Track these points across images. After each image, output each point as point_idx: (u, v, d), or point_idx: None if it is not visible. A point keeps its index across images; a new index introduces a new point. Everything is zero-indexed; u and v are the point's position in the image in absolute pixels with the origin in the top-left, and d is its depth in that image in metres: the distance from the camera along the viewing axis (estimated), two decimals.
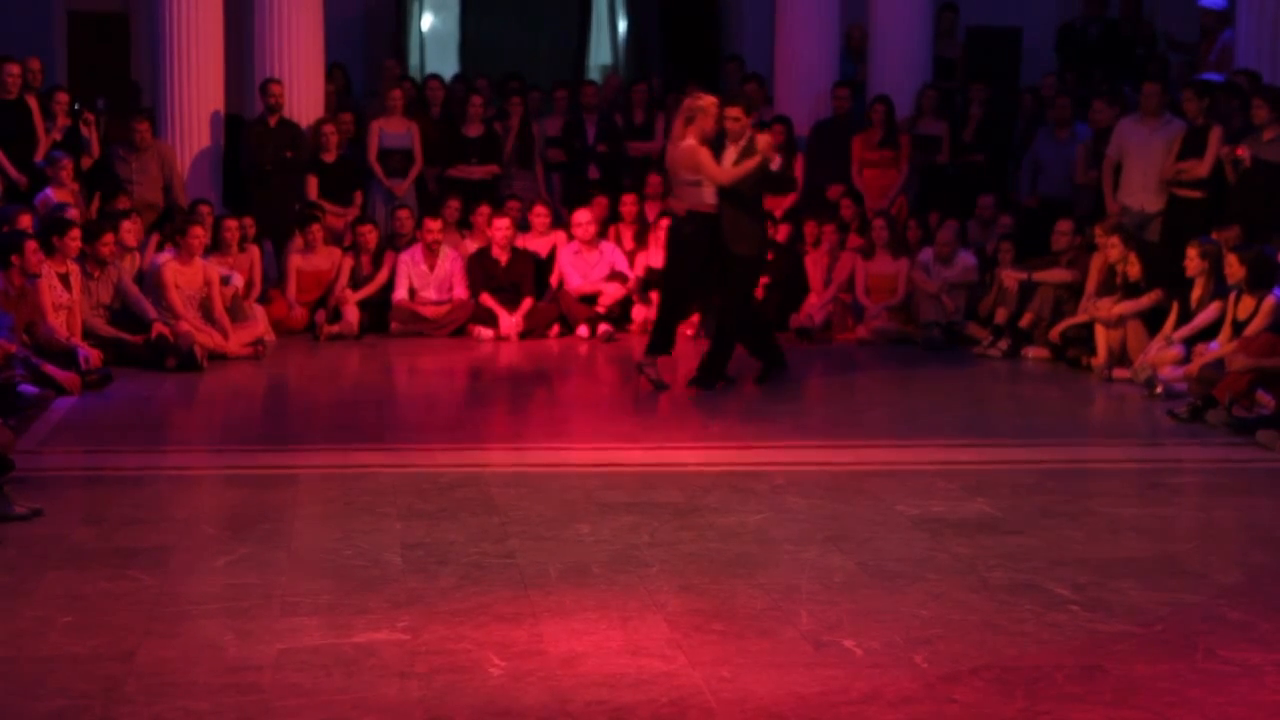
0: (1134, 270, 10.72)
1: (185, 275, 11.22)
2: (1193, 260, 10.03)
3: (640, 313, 12.67)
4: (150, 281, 11.25)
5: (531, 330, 12.38)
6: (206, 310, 11.25)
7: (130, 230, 11.50)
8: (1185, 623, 5.30)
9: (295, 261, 12.50)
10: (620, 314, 12.67)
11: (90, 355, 10.04)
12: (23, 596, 5.47)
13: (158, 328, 10.75)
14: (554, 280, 12.79)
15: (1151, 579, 5.80)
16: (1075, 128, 12.97)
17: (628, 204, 13.30)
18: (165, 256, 11.36)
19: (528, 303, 12.48)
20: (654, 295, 12.82)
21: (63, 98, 12.71)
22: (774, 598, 5.51)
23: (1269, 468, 7.96)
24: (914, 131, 13.66)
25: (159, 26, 13.05)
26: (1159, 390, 9.75)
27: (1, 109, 12.28)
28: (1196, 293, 10.03)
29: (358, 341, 12.16)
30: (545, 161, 14.05)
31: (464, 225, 13.18)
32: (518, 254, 12.64)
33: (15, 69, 12.34)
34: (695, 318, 12.41)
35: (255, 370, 10.96)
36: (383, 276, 12.60)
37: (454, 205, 13.11)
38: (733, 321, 10.07)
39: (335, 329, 12.23)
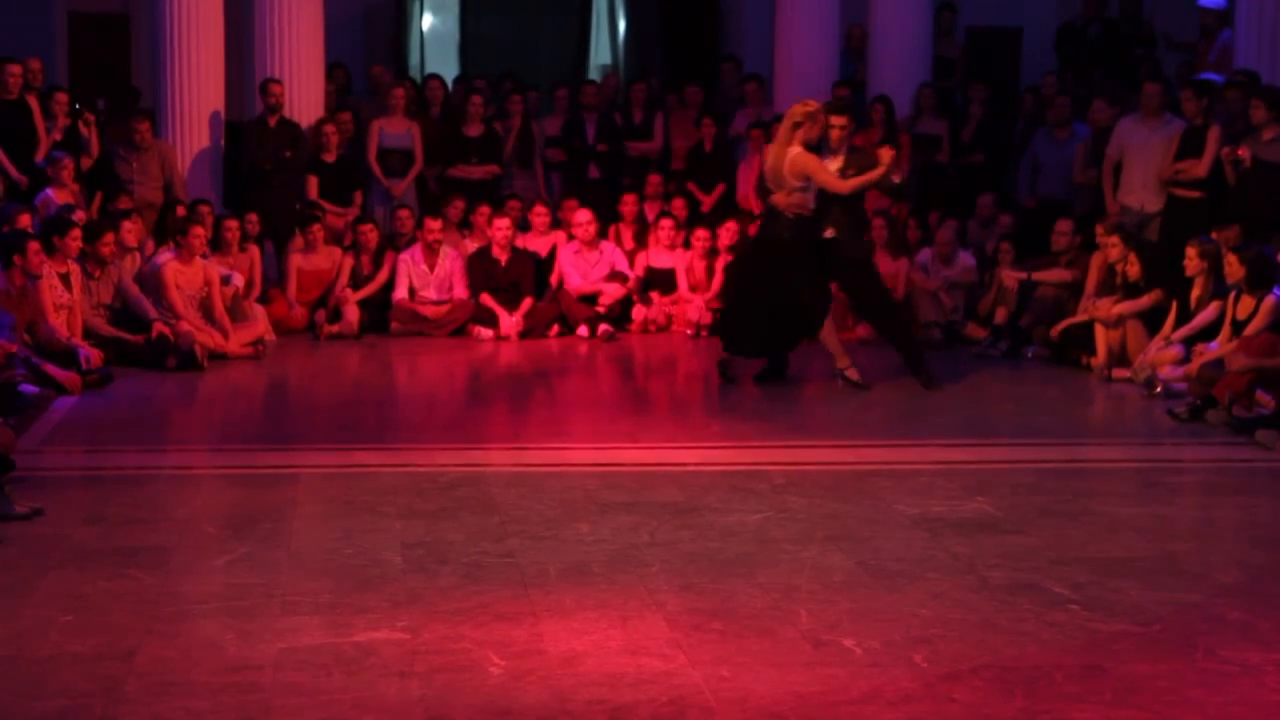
0: (1134, 270, 10.73)
1: (186, 275, 11.23)
2: (1192, 260, 10.03)
3: (640, 313, 12.68)
4: (151, 281, 11.26)
5: (531, 330, 12.39)
6: (207, 310, 11.26)
7: (131, 230, 11.51)
8: (1185, 622, 5.30)
9: (296, 261, 12.50)
10: (620, 314, 12.67)
11: (91, 355, 10.04)
12: (23, 596, 5.47)
13: (158, 327, 10.75)
14: (554, 280, 12.79)
15: (1151, 578, 5.80)
16: (1074, 127, 12.98)
17: (628, 204, 13.32)
18: (166, 256, 11.36)
19: (528, 302, 12.49)
20: (654, 295, 12.87)
21: (63, 98, 12.73)
22: (774, 597, 5.52)
23: (1268, 467, 7.96)
24: (913, 131, 13.67)
25: (159, 27, 13.06)
26: (1159, 390, 9.76)
27: (2, 109, 12.30)
28: (1196, 292, 10.04)
29: (358, 341, 12.17)
30: (545, 161, 14.07)
31: (464, 225, 13.19)
32: (518, 254, 12.65)
33: (16, 69, 12.35)
34: (703, 319, 12.43)
35: (255, 370, 10.96)
36: (383, 276, 12.61)
37: (458, 205, 13.13)
38: (891, 319, 10.29)
39: (335, 329, 12.24)
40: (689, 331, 12.56)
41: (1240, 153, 10.82)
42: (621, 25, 17.85)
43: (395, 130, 13.46)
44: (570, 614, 5.31)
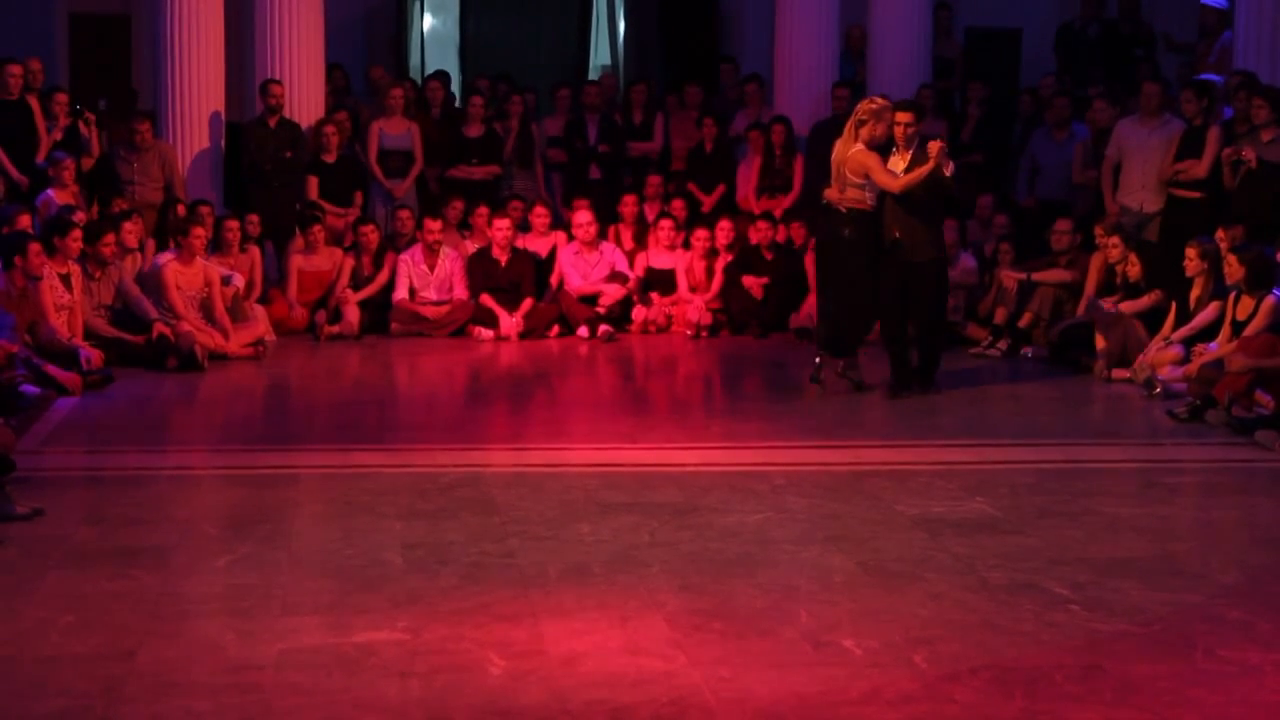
0: (1134, 271, 10.73)
1: (186, 276, 11.23)
2: (1192, 260, 10.04)
3: (640, 313, 12.69)
4: (151, 282, 11.26)
5: (531, 330, 12.39)
6: (207, 310, 11.26)
7: (130, 231, 11.52)
8: (1185, 622, 5.30)
9: (296, 262, 12.51)
10: (620, 314, 12.67)
11: (91, 355, 10.05)
12: (24, 596, 5.47)
13: (159, 328, 10.76)
14: (554, 280, 12.80)
15: (1151, 579, 5.80)
16: (1073, 128, 12.99)
17: (628, 205, 13.32)
18: (166, 257, 11.37)
19: (528, 303, 12.49)
20: (654, 296, 12.87)
21: (63, 98, 12.74)
22: (774, 597, 5.52)
23: (1268, 468, 7.96)
24: None
25: (160, 27, 13.06)
26: (1158, 390, 9.76)
27: (3, 109, 12.31)
28: (1195, 293, 10.05)
29: (358, 342, 12.17)
30: (546, 161, 14.07)
31: (463, 226, 13.19)
32: (518, 254, 12.65)
33: (17, 70, 12.36)
34: (702, 319, 12.45)
35: (256, 370, 10.97)
36: (383, 277, 12.61)
37: (457, 206, 13.13)
38: (932, 327, 9.93)
39: (336, 329, 12.24)
40: (689, 332, 12.56)
41: (1245, 154, 10.81)
42: (621, 26, 17.86)
43: (395, 131, 13.47)
44: (570, 614, 5.32)
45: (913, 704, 4.54)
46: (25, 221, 10.73)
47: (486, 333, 12.34)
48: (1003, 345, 11.65)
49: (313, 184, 13.12)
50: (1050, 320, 11.46)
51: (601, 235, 12.98)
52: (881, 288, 9.80)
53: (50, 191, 11.81)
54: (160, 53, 13.10)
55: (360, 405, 9.76)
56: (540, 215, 13.11)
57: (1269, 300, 9.13)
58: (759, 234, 12.92)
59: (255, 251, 12.35)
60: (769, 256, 12.88)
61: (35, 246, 9.90)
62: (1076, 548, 6.23)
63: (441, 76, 14.49)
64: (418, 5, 17.47)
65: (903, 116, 9.67)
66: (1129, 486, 7.68)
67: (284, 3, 13.33)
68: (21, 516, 6.43)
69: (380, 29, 17.16)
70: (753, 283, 12.74)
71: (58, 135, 12.50)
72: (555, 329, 12.49)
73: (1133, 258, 10.76)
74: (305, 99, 13.47)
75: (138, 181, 12.64)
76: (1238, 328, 9.26)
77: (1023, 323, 11.63)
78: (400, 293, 12.53)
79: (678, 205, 13.36)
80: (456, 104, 14.67)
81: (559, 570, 5.84)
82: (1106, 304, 10.89)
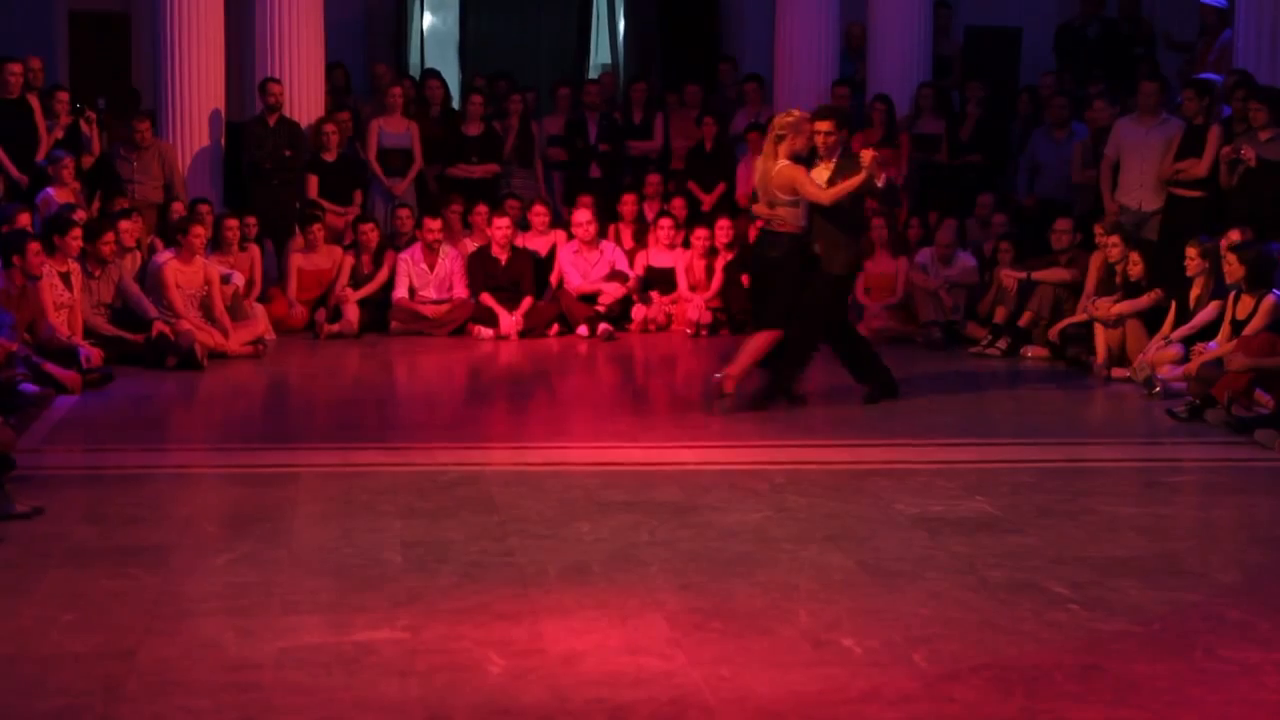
0: (1136, 270, 10.73)
1: (186, 274, 11.23)
2: (1193, 260, 10.04)
3: (640, 312, 12.69)
4: (151, 281, 11.26)
5: (531, 329, 12.39)
6: (207, 309, 11.26)
7: (129, 230, 11.51)
8: (1184, 622, 5.30)
9: (296, 260, 12.51)
10: (620, 313, 12.67)
11: (91, 354, 10.05)
12: (24, 595, 5.47)
13: (158, 326, 10.76)
14: (554, 279, 12.80)
15: (1151, 578, 5.80)
16: (1073, 127, 12.98)
17: (627, 203, 13.32)
18: (166, 255, 11.37)
19: (527, 302, 12.49)
20: (654, 295, 12.87)
21: (64, 97, 12.75)
22: (773, 597, 5.52)
23: (1268, 467, 7.96)
24: (913, 130, 13.68)
25: (160, 26, 13.06)
26: (1158, 390, 9.76)
27: (3, 108, 12.30)
28: (1195, 292, 10.05)
29: (358, 340, 12.18)
30: (546, 160, 14.07)
31: (463, 224, 13.19)
32: (517, 253, 12.65)
33: (17, 68, 12.36)
34: (702, 318, 12.45)
35: (255, 369, 10.97)
36: (383, 275, 12.61)
37: (455, 208, 13.13)
38: (805, 338, 9.41)
39: (335, 328, 12.24)
40: (689, 331, 12.56)
41: (1244, 153, 10.81)
42: (621, 25, 17.85)
43: (394, 130, 13.47)
44: (570, 613, 5.32)
45: (912, 703, 4.54)
46: (25, 220, 10.73)
47: (486, 331, 12.34)
48: (1002, 344, 11.65)
49: (312, 183, 13.12)
50: (1050, 320, 11.46)
51: (601, 234, 12.98)
52: (808, 301, 9.27)
53: (50, 190, 11.81)
54: (160, 51, 13.10)
55: (360, 404, 9.76)
56: (539, 214, 13.11)
57: (1269, 299, 9.13)
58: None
59: (255, 250, 12.35)
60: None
61: (34, 246, 9.89)
62: (1076, 547, 6.24)
63: (441, 75, 14.49)
64: (418, 4, 17.47)
65: (822, 125, 9.23)
66: (1129, 486, 7.68)
67: (284, 2, 13.33)
68: (21, 515, 6.42)
69: (380, 28, 17.16)
70: None
71: (59, 134, 12.50)
72: (555, 328, 12.49)
73: (1134, 256, 10.76)
74: (305, 98, 13.46)
75: (137, 180, 12.64)
76: (1237, 327, 9.26)
77: (1023, 322, 11.63)
78: (400, 291, 12.53)
79: (678, 204, 13.37)
80: (454, 104, 14.65)
81: (558, 569, 5.84)
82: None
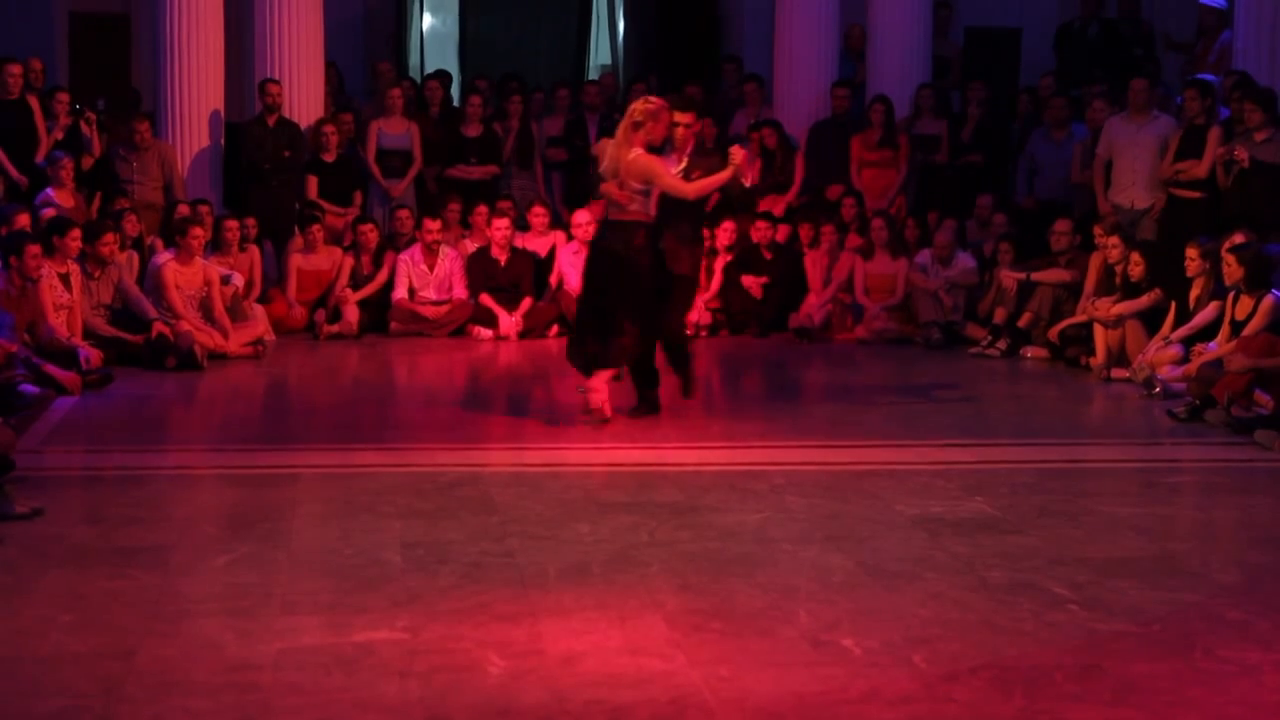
0: (1137, 270, 10.73)
1: (185, 275, 11.24)
2: (1193, 261, 10.04)
3: None
4: (150, 281, 11.27)
5: (531, 330, 12.39)
6: (207, 310, 11.26)
7: (128, 231, 11.52)
8: (1184, 622, 5.30)
9: (296, 261, 12.52)
10: None
11: (91, 355, 10.05)
12: (23, 595, 5.47)
13: (158, 327, 10.76)
14: (553, 280, 12.80)
15: (1150, 578, 5.80)
16: (1072, 128, 12.99)
17: None
18: (165, 256, 11.37)
19: (527, 302, 12.50)
20: None
21: (64, 98, 12.76)
22: (773, 597, 5.52)
23: (1267, 467, 7.96)
24: (912, 131, 13.69)
25: (160, 27, 13.07)
26: (1157, 390, 9.76)
27: (3, 109, 12.31)
28: (1195, 292, 10.05)
29: (357, 341, 12.18)
30: (546, 161, 14.07)
31: (463, 225, 13.19)
32: (517, 254, 12.66)
33: (17, 69, 12.37)
34: (702, 319, 12.43)
35: (255, 370, 10.97)
36: (382, 276, 12.62)
37: (454, 208, 13.13)
38: (678, 337, 9.17)
39: (335, 329, 12.25)
40: (688, 331, 12.53)
41: (1238, 154, 10.82)
42: (621, 25, 17.86)
43: (394, 131, 13.47)
44: (569, 614, 5.31)
45: (912, 703, 4.54)
46: (24, 221, 10.73)
47: (486, 332, 12.34)
48: (1002, 345, 11.65)
49: (312, 183, 13.12)
50: (1050, 320, 11.46)
51: None
52: (649, 307, 8.83)
53: (50, 191, 11.81)
54: (160, 52, 13.10)
55: (359, 405, 9.76)
56: (539, 215, 13.11)
57: (1268, 300, 9.13)
58: (759, 234, 12.93)
59: (254, 251, 12.36)
60: (768, 256, 12.89)
61: (33, 248, 9.89)
62: (1076, 548, 6.23)
63: (441, 76, 14.49)
64: (417, 4, 17.48)
65: (683, 117, 8.98)
66: (1129, 486, 7.68)
67: (284, 3, 13.34)
68: (21, 516, 6.42)
69: (380, 28, 17.17)
70: (752, 282, 12.75)
71: (59, 135, 12.51)
72: (555, 328, 12.48)
73: (1135, 257, 10.76)
74: (305, 98, 13.47)
75: (137, 181, 12.65)
76: (1237, 327, 9.26)
77: (1022, 323, 11.63)
78: (399, 292, 12.53)
79: None
80: (455, 104, 14.64)
81: (558, 570, 5.84)
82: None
